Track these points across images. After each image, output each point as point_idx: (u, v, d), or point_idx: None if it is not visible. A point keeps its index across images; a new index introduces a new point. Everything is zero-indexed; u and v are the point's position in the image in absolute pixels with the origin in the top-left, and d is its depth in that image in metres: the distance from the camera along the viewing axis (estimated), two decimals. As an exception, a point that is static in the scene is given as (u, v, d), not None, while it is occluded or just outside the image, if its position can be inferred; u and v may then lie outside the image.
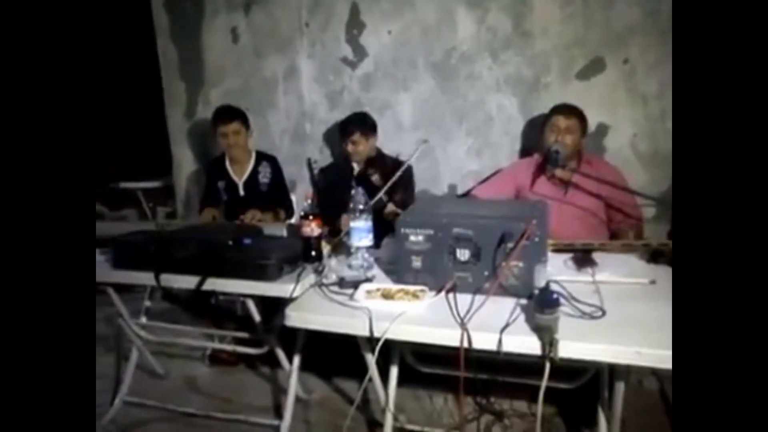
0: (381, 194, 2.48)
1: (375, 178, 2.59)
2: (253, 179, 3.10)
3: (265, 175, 3.11)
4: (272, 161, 3.15)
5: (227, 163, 3.13)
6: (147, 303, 2.60)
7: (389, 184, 2.48)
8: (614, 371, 1.77)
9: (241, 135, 3.05)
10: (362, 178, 2.84)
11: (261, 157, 3.13)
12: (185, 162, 3.68)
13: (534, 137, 2.75)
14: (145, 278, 2.00)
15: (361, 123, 2.93)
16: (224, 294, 2.65)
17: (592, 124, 2.77)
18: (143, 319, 2.55)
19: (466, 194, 2.88)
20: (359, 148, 2.91)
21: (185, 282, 1.96)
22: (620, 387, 1.76)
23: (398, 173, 2.51)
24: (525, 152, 2.92)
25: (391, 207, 2.53)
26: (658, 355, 1.30)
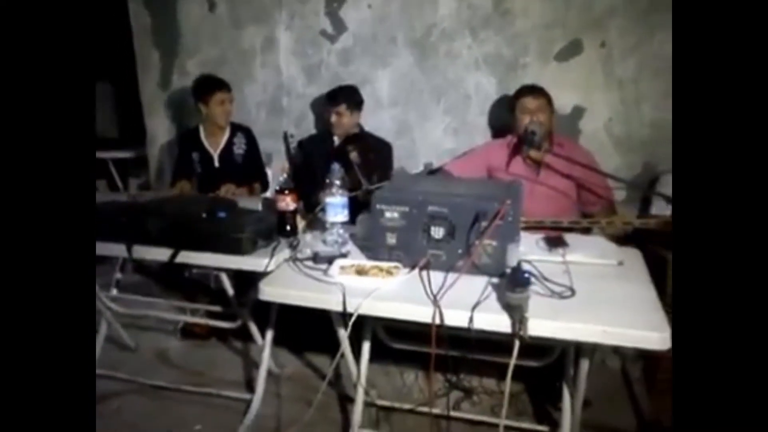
0: (364, 189, 2.45)
1: (353, 155, 2.58)
2: (228, 150, 3.07)
3: (240, 147, 3.07)
4: (247, 132, 3.12)
5: (202, 135, 3.08)
6: (118, 275, 2.57)
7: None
8: (580, 350, 1.82)
9: (233, 104, 3.04)
10: (341, 153, 2.82)
11: (235, 128, 3.09)
12: (159, 133, 3.61)
13: (504, 117, 2.76)
14: (117, 250, 1.97)
15: (349, 96, 2.92)
16: (197, 267, 2.64)
17: (568, 107, 2.80)
18: (114, 292, 2.53)
19: (438, 170, 2.89)
20: (343, 120, 2.89)
21: (158, 254, 1.93)
22: (585, 365, 1.81)
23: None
24: (495, 133, 2.93)
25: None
26: (623, 333, 1.35)
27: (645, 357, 2.39)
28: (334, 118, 2.90)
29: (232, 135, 3.07)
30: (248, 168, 3.08)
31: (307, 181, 2.72)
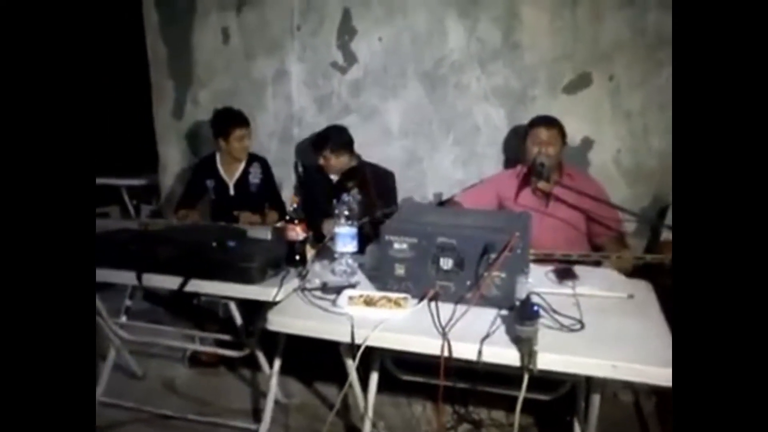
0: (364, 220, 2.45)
1: (354, 192, 2.60)
2: (244, 179, 3.09)
3: (255, 176, 3.10)
4: (263, 162, 3.15)
5: (218, 163, 3.11)
6: (127, 302, 2.58)
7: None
8: (591, 383, 1.80)
9: (251, 139, 3.07)
10: (341, 189, 2.84)
11: (252, 158, 3.13)
12: (171, 161, 3.66)
13: (517, 148, 2.78)
14: (127, 277, 1.99)
15: (333, 140, 2.87)
16: (206, 295, 2.65)
17: (577, 138, 2.81)
18: (123, 319, 2.53)
19: (448, 201, 2.91)
20: (330, 163, 2.88)
21: (168, 282, 1.95)
22: (596, 399, 1.79)
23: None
24: (508, 162, 2.95)
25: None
26: (633, 369, 1.33)
27: (658, 392, 2.35)
28: (322, 161, 2.90)
29: (248, 165, 3.10)
30: (262, 197, 3.10)
31: (311, 210, 2.74)
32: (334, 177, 2.95)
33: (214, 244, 1.98)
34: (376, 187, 2.78)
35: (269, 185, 3.15)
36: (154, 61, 3.55)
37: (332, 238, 1.92)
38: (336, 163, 2.89)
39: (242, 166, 3.09)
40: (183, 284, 1.92)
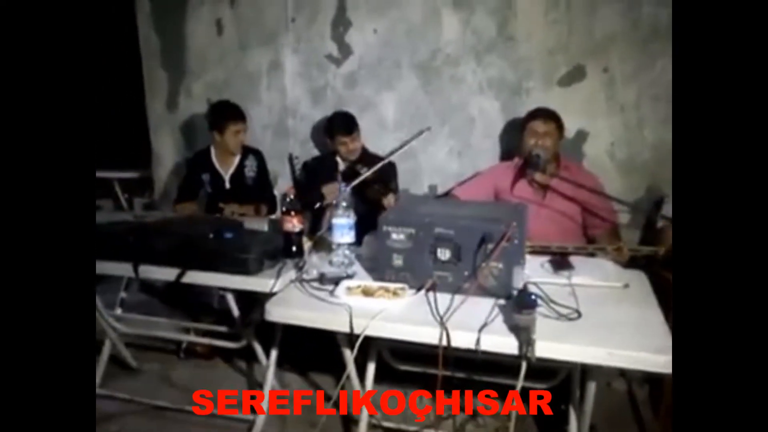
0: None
1: (364, 170, 2.64)
2: (239, 173, 3.08)
3: (251, 169, 3.09)
4: (258, 155, 3.14)
5: (213, 156, 3.10)
6: (123, 294, 2.57)
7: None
8: (586, 372, 1.81)
9: (246, 133, 3.07)
10: (349, 175, 2.85)
11: (247, 150, 3.11)
12: (165, 154, 3.63)
13: (514, 140, 2.79)
14: (123, 269, 1.99)
15: (355, 121, 2.98)
16: (202, 287, 2.65)
17: (572, 131, 2.82)
18: (118, 311, 2.53)
19: (446, 194, 2.91)
20: (357, 144, 2.96)
21: (164, 274, 1.95)
22: (592, 387, 1.80)
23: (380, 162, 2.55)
24: (505, 155, 2.96)
25: (391, 199, 2.59)
26: (629, 356, 1.35)
27: (651, 380, 2.37)
28: (349, 146, 2.94)
29: (244, 158, 3.09)
30: (258, 190, 3.10)
31: (312, 202, 2.75)
32: (341, 163, 3.00)
33: (211, 235, 1.97)
34: (381, 174, 2.83)
35: (264, 178, 3.14)
36: (146, 52, 3.52)
37: (330, 229, 1.92)
38: (357, 146, 2.96)
39: (237, 159, 3.08)
40: (180, 275, 1.92)
